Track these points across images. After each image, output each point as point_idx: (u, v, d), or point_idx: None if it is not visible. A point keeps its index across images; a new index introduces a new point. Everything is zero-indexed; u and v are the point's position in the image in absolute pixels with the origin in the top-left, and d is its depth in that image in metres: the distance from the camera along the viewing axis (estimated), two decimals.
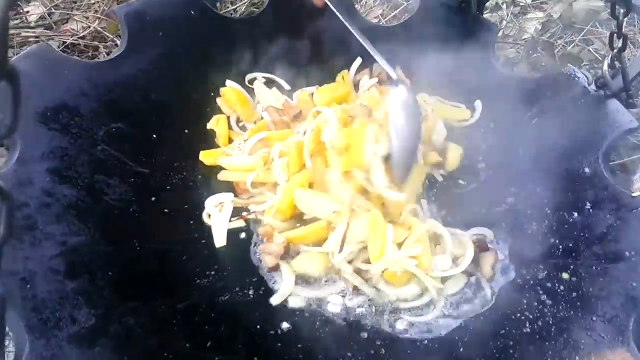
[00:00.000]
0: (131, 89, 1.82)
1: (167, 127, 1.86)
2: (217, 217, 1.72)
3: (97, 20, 2.46)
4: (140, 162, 1.74)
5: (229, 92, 1.98)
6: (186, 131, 1.91)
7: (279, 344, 1.49)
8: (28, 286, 1.30)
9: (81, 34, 2.40)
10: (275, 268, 1.61)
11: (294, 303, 1.58)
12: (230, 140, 1.94)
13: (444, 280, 1.62)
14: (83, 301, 1.36)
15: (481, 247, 1.67)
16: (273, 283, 1.62)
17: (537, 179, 1.76)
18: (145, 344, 1.36)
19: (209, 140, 1.93)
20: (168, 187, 1.77)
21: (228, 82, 2.01)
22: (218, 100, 2.01)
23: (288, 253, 1.62)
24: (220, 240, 1.68)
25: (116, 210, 1.60)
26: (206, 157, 1.86)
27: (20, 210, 1.41)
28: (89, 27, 2.40)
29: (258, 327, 1.51)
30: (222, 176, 1.84)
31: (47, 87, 1.64)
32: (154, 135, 1.82)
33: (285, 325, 1.53)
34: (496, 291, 1.62)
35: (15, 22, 2.41)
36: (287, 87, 2.06)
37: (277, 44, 2.07)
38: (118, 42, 2.06)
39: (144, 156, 1.76)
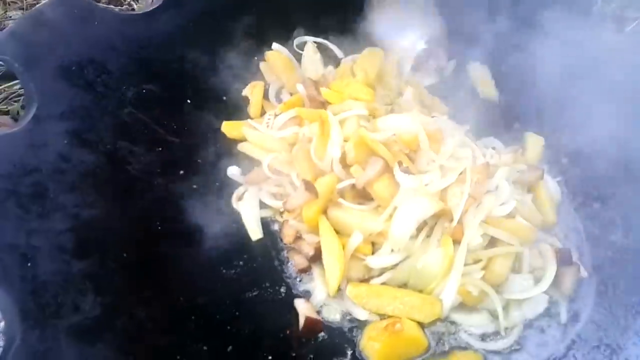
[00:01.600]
0: (166, 47, 1.64)
1: (203, 92, 1.66)
2: (247, 204, 1.52)
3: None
4: (170, 130, 1.55)
5: (274, 57, 1.76)
6: (224, 98, 1.71)
7: (312, 356, 1.28)
8: (29, 264, 1.13)
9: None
10: (306, 270, 1.43)
11: (328, 314, 1.38)
12: (263, 112, 1.72)
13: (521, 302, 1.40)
14: (90, 286, 1.18)
15: (563, 259, 1.42)
16: (309, 283, 1.42)
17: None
18: (155, 344, 1.17)
19: (247, 109, 1.72)
20: (199, 160, 1.57)
21: (275, 46, 1.78)
22: (261, 64, 1.79)
23: (320, 255, 1.40)
24: (255, 232, 1.48)
25: (139, 182, 1.42)
26: (229, 129, 1.65)
27: (29, 175, 1.24)
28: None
29: (288, 332, 1.30)
30: (242, 147, 1.63)
31: (74, 38, 1.47)
32: (188, 101, 1.62)
33: (321, 334, 1.33)
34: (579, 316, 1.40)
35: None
36: (340, 54, 1.82)
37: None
38: None
39: (175, 123, 1.57)
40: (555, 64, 1.63)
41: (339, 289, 1.37)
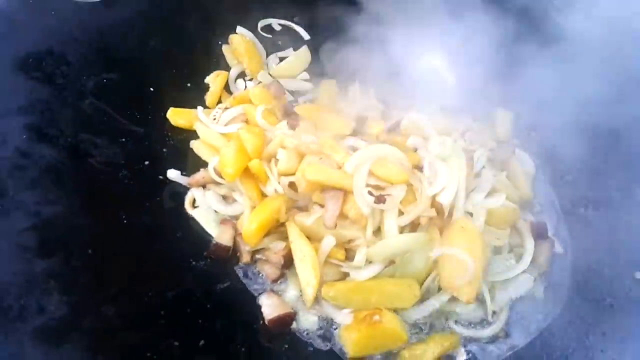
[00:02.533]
0: (127, 34, 1.61)
1: (167, 80, 1.62)
2: (201, 211, 1.46)
3: None
4: (133, 120, 1.51)
5: (237, 40, 1.72)
6: (188, 85, 1.67)
7: (287, 346, 1.27)
8: None
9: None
10: (279, 278, 1.37)
11: (303, 324, 1.33)
12: (219, 102, 1.66)
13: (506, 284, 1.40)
14: (55, 285, 1.15)
15: (539, 233, 1.43)
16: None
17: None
18: (124, 342, 1.14)
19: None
20: (165, 150, 1.53)
21: (239, 29, 1.74)
22: (224, 48, 1.75)
23: (291, 261, 1.35)
24: (215, 232, 1.43)
25: (102, 175, 1.38)
26: (175, 116, 1.56)
27: None
28: None
29: (261, 323, 1.28)
30: (193, 145, 1.55)
31: (30, 30, 1.44)
32: (151, 89, 1.58)
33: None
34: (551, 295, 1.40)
35: None
36: (306, 36, 1.79)
37: None
38: None
39: (138, 112, 1.52)
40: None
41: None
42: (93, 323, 1.13)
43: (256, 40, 1.76)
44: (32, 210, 1.22)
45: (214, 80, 1.67)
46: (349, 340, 1.27)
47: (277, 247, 1.37)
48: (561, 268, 1.46)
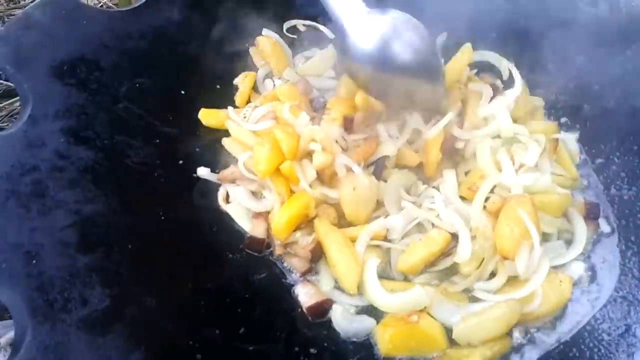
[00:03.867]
0: (157, 40, 1.62)
1: (197, 83, 1.65)
2: (234, 206, 1.48)
3: None
4: (166, 122, 1.54)
5: (264, 42, 1.74)
6: (218, 87, 1.70)
7: (325, 332, 1.26)
8: (34, 261, 1.13)
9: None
10: (309, 271, 1.37)
11: (336, 316, 1.31)
12: (249, 101, 1.69)
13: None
14: (97, 279, 1.17)
15: (591, 215, 1.43)
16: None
17: None
18: (166, 331, 1.16)
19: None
20: (197, 150, 1.56)
21: (265, 31, 1.77)
22: (251, 50, 1.78)
23: (320, 254, 1.37)
24: (247, 226, 1.45)
25: (138, 175, 1.41)
26: (207, 116, 1.60)
27: (29, 174, 1.23)
28: (100, 3, 2.24)
29: (299, 310, 1.28)
30: (225, 142, 1.58)
31: (64, 39, 1.47)
32: (182, 92, 1.61)
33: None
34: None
35: (25, 1, 2.30)
36: (331, 35, 1.80)
37: None
38: None
39: (170, 115, 1.55)
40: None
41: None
42: (135, 314, 1.15)
43: (282, 41, 1.78)
44: (72, 209, 1.25)
45: (243, 81, 1.69)
46: (382, 336, 1.25)
47: (304, 242, 1.37)
48: (609, 250, 1.44)
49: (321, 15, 1.82)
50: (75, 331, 1.07)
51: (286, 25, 1.83)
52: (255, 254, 1.40)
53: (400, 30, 1.33)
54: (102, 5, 2.24)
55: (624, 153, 1.55)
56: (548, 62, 1.69)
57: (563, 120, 1.69)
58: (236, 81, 1.71)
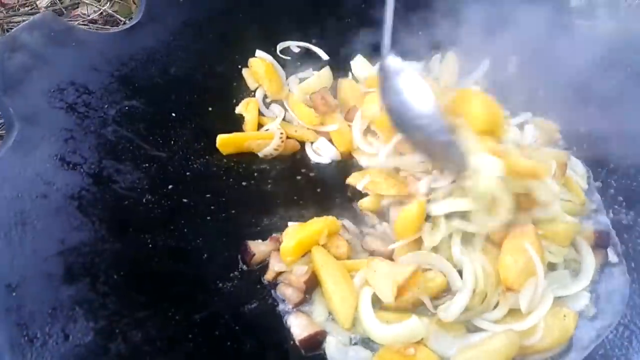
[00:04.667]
0: (148, 62, 1.61)
1: (188, 105, 1.61)
2: None
3: (108, 2, 2.28)
4: (156, 145, 1.50)
5: (257, 64, 1.72)
6: (209, 109, 1.66)
7: None
8: (14, 294, 1.08)
9: (92, 17, 2.24)
10: (302, 302, 1.32)
11: (330, 349, 1.26)
12: (260, 126, 1.68)
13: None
14: (81, 312, 1.13)
15: (601, 242, 1.38)
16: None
17: None
18: None
19: (234, 120, 1.68)
20: (188, 174, 1.52)
21: (258, 53, 1.75)
22: (244, 71, 1.75)
23: (314, 285, 1.33)
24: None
25: (126, 200, 1.37)
26: (226, 144, 1.58)
27: (11, 203, 1.19)
28: (100, 10, 2.23)
29: (292, 343, 1.24)
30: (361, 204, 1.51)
31: (52, 61, 1.44)
32: (173, 114, 1.58)
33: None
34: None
35: (25, 8, 2.27)
36: (325, 57, 1.78)
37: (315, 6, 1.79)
38: None
39: (160, 138, 1.52)
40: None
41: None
42: (120, 348, 1.11)
43: (275, 63, 1.76)
44: (57, 238, 1.21)
45: (246, 109, 1.68)
46: None
47: (299, 272, 1.33)
48: (614, 277, 1.40)
49: (314, 37, 1.81)
50: None
51: (280, 46, 1.81)
52: (247, 283, 1.35)
53: None
54: (101, 13, 2.22)
55: (621, 176, 1.53)
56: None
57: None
58: (239, 110, 1.69)
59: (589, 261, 1.37)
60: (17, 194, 1.21)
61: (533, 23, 1.60)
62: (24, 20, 2.15)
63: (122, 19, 2.22)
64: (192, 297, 1.27)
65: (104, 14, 2.25)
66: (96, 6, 2.26)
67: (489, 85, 1.70)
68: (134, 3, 2.23)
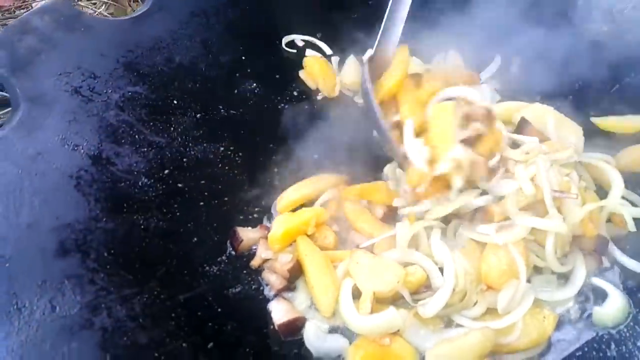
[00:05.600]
0: (154, 50, 1.64)
1: (191, 93, 1.65)
2: None
3: (104, 5, 2.32)
4: (156, 131, 1.54)
5: (311, 63, 1.78)
6: (212, 98, 1.69)
7: (296, 351, 1.26)
8: (7, 265, 1.13)
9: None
10: (285, 289, 1.35)
11: (309, 335, 1.29)
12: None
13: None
14: (69, 286, 1.17)
15: (598, 249, 1.37)
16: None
17: None
18: (134, 341, 1.15)
19: (237, 108, 1.71)
20: (185, 160, 1.55)
21: (309, 52, 1.82)
22: (301, 73, 1.82)
23: (298, 273, 1.36)
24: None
25: (122, 182, 1.41)
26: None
27: (12, 179, 1.25)
28: (96, 12, 2.27)
29: (271, 327, 1.27)
30: None
31: (61, 45, 1.47)
32: (175, 102, 1.61)
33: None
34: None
35: (21, 10, 2.33)
36: (328, 51, 1.80)
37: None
38: None
39: (161, 124, 1.56)
40: None
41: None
42: (104, 322, 1.15)
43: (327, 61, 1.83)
44: (52, 214, 1.26)
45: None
46: (354, 358, 1.23)
47: (283, 259, 1.36)
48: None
49: (319, 31, 1.83)
50: (41, 336, 1.07)
51: (285, 39, 1.83)
52: (233, 267, 1.39)
53: None
54: (97, 15, 2.27)
55: None
56: None
57: None
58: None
59: (580, 272, 1.35)
60: (18, 170, 1.26)
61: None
62: None
63: None
64: (179, 278, 1.32)
65: (100, 16, 2.29)
66: (92, 9, 2.29)
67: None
68: (129, 5, 2.26)
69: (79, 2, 2.27)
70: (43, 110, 1.38)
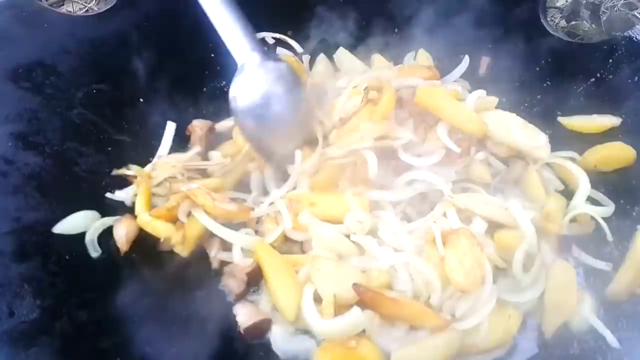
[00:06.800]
0: (120, 47, 1.60)
1: (157, 91, 1.62)
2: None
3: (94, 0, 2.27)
4: (121, 129, 1.52)
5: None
6: (178, 97, 1.67)
7: (262, 354, 1.26)
8: None
9: (77, 15, 2.22)
10: (243, 294, 1.33)
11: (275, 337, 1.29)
12: None
13: None
14: (29, 289, 1.15)
15: (563, 249, 1.39)
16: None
17: None
18: (95, 346, 1.13)
19: (202, 107, 1.70)
20: (151, 159, 1.53)
21: (279, 50, 1.77)
22: None
23: (257, 277, 1.33)
24: None
25: (85, 183, 1.39)
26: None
27: None
28: (86, 7, 2.22)
29: (238, 331, 1.26)
30: None
31: (22, 41, 1.45)
32: (141, 99, 1.59)
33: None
34: None
35: None
36: (299, 49, 1.78)
37: None
38: None
39: (126, 123, 1.54)
40: None
41: None
42: (65, 327, 1.14)
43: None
44: (12, 216, 1.23)
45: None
46: None
47: (243, 264, 1.34)
48: None
49: (289, 29, 1.81)
50: None
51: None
52: (197, 269, 1.38)
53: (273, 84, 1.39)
54: (87, 11, 2.21)
55: None
56: None
57: None
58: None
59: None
60: None
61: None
62: None
63: None
64: (142, 280, 1.29)
65: (90, 11, 2.24)
66: (82, 3, 2.24)
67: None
68: None
69: None
70: (4, 108, 1.35)
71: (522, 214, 1.35)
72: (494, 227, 1.37)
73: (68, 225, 1.31)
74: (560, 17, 2.03)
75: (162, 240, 1.34)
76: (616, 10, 2.03)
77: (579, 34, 1.94)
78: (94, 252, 1.32)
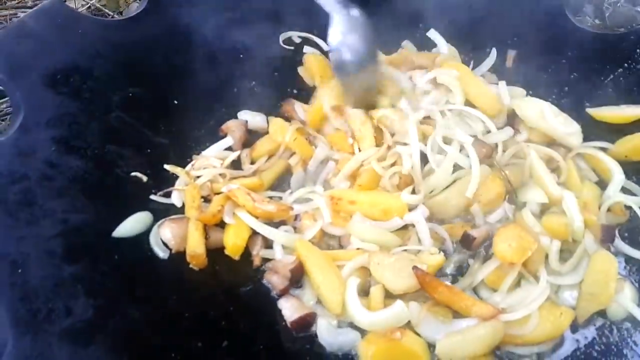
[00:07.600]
0: (152, 50, 1.63)
1: (191, 93, 1.64)
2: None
3: None
4: (158, 131, 1.55)
5: (310, 60, 1.77)
6: (213, 97, 1.70)
7: (309, 346, 1.27)
8: (19, 270, 1.13)
9: (80, 11, 2.24)
10: (287, 290, 1.35)
11: (321, 330, 1.30)
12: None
13: None
14: (82, 289, 1.17)
15: (606, 239, 1.38)
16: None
17: None
18: (149, 342, 1.16)
19: (236, 108, 1.71)
20: (189, 160, 1.56)
21: (306, 49, 1.81)
22: (300, 70, 1.81)
23: (300, 274, 1.35)
24: None
25: (127, 184, 1.42)
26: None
27: (18, 183, 1.24)
28: (88, 4, 2.24)
29: (284, 324, 1.28)
30: None
31: (58, 48, 1.47)
32: (175, 102, 1.61)
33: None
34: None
35: (13, 2, 2.29)
36: (326, 47, 1.80)
37: None
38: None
39: (163, 125, 1.56)
40: None
41: None
42: (118, 325, 1.16)
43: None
44: (59, 218, 1.25)
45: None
46: (365, 353, 1.24)
47: (285, 260, 1.37)
48: None
49: (315, 28, 1.83)
50: (58, 342, 1.07)
51: (282, 36, 1.83)
52: (242, 266, 1.40)
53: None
54: (89, 7, 2.24)
55: None
56: None
57: None
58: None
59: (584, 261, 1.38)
60: (24, 174, 1.25)
61: None
62: (11, 14, 2.18)
63: (110, 12, 2.23)
64: (189, 279, 1.32)
65: (92, 8, 2.26)
66: (84, 0, 2.27)
67: None
68: None
69: None
70: (44, 114, 1.37)
71: (574, 204, 1.38)
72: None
73: (126, 228, 1.35)
74: None
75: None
76: (619, 6, 2.05)
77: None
78: (162, 252, 1.36)
